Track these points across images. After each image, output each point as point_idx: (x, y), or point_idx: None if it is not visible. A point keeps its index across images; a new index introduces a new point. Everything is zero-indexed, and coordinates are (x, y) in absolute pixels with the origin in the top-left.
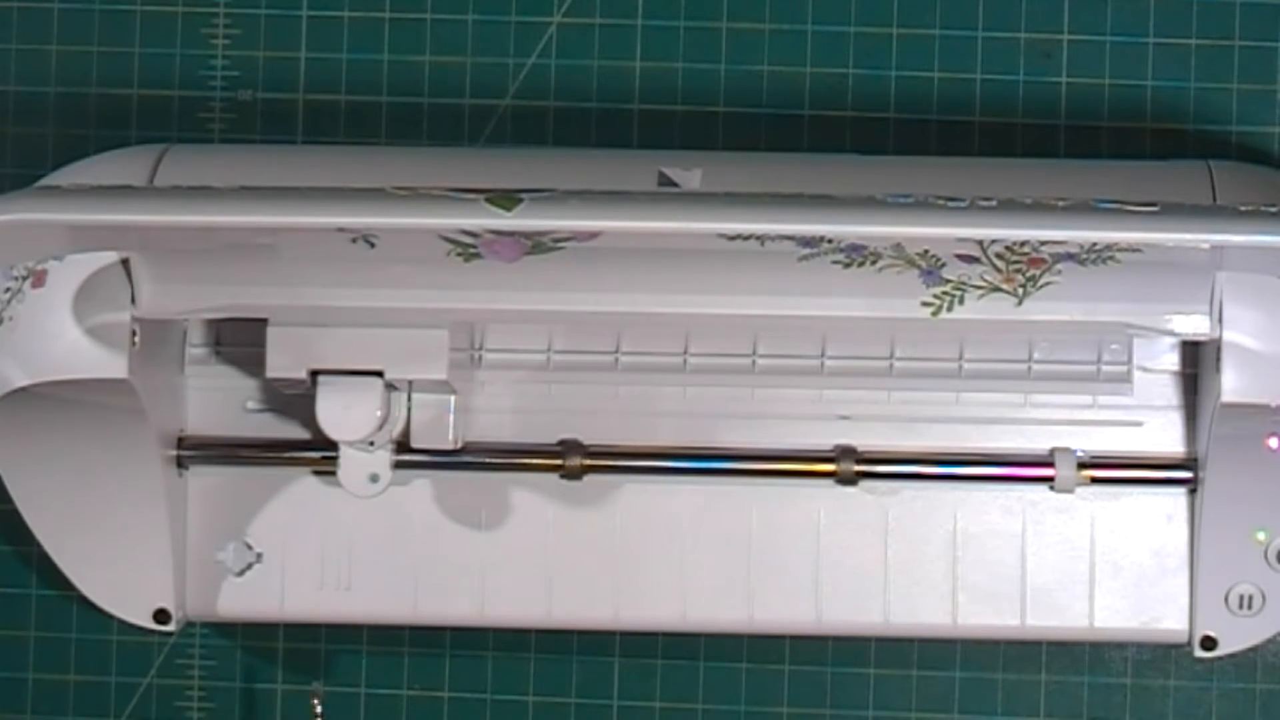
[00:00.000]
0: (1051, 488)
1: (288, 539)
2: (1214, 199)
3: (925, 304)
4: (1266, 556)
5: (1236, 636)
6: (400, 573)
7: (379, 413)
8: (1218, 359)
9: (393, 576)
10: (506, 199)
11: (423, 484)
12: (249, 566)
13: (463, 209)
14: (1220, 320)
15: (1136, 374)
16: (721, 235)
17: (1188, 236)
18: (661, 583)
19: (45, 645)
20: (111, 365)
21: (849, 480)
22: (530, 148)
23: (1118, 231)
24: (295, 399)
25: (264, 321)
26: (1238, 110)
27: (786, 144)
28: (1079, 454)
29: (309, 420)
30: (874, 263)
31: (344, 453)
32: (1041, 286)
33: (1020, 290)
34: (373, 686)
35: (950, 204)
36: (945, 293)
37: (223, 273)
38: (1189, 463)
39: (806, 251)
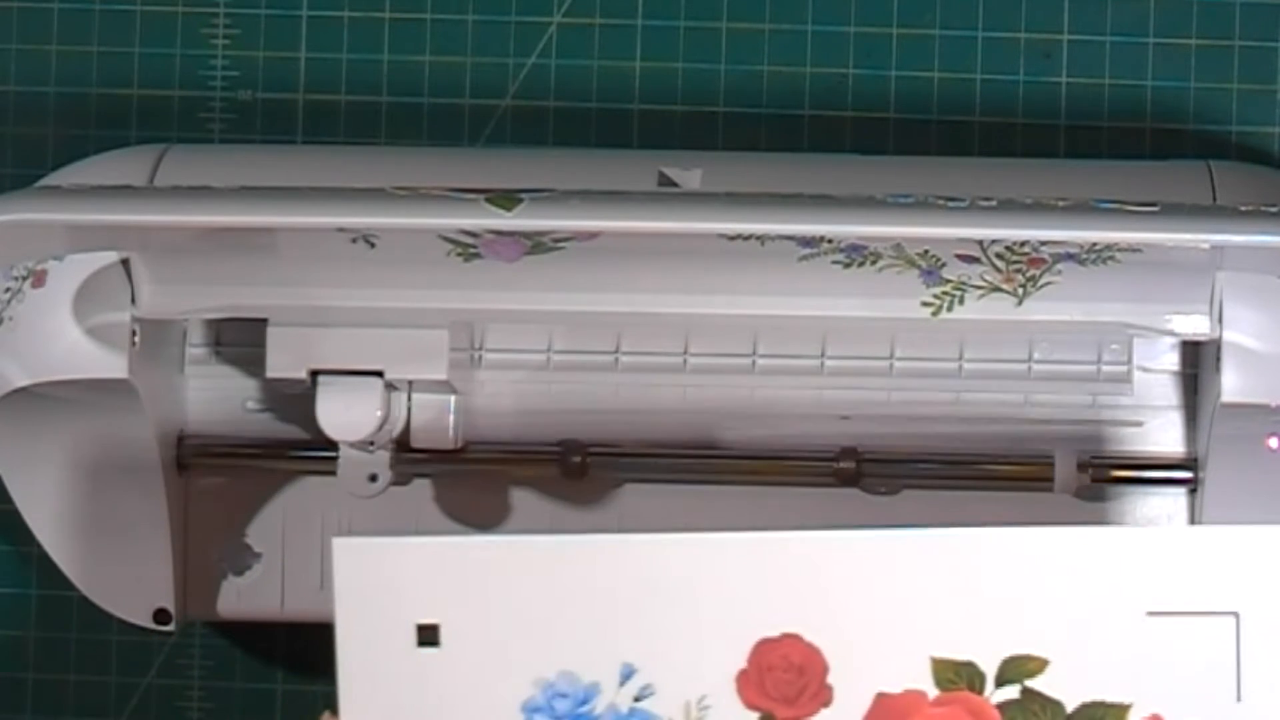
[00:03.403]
0: (1051, 488)
1: (288, 539)
2: (1214, 199)
3: (925, 304)
4: None
5: None
6: None
7: (379, 413)
8: (1218, 359)
9: None
10: (506, 199)
11: (423, 484)
12: (249, 566)
13: (463, 209)
14: (1220, 320)
15: (1136, 374)
16: (721, 235)
17: (1188, 236)
18: None
19: (45, 645)
20: (111, 365)
21: (849, 480)
22: (530, 148)
23: (1118, 231)
24: (295, 399)
25: (264, 321)
26: (1238, 110)
27: (786, 144)
28: (1079, 454)
29: (309, 420)
30: (874, 263)
31: (344, 453)
32: (1041, 286)
33: (1020, 290)
34: None
35: (950, 204)
36: (945, 293)
37: (223, 273)
38: (1189, 463)
39: (806, 251)
